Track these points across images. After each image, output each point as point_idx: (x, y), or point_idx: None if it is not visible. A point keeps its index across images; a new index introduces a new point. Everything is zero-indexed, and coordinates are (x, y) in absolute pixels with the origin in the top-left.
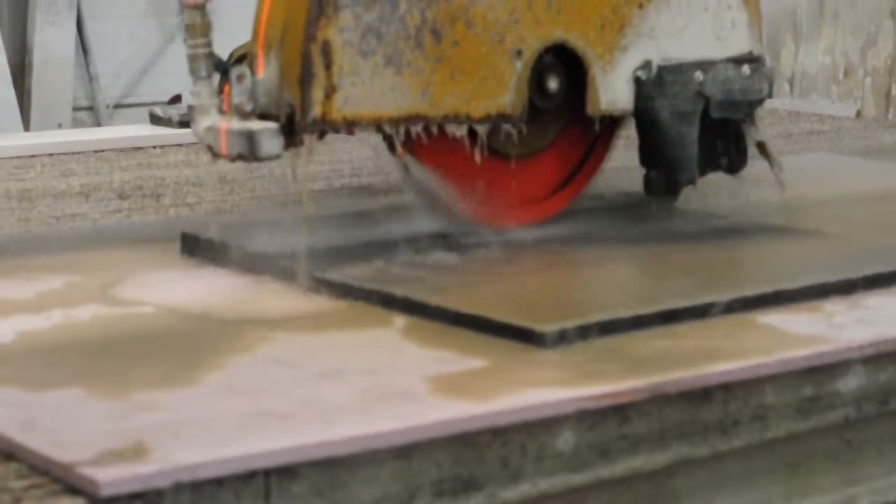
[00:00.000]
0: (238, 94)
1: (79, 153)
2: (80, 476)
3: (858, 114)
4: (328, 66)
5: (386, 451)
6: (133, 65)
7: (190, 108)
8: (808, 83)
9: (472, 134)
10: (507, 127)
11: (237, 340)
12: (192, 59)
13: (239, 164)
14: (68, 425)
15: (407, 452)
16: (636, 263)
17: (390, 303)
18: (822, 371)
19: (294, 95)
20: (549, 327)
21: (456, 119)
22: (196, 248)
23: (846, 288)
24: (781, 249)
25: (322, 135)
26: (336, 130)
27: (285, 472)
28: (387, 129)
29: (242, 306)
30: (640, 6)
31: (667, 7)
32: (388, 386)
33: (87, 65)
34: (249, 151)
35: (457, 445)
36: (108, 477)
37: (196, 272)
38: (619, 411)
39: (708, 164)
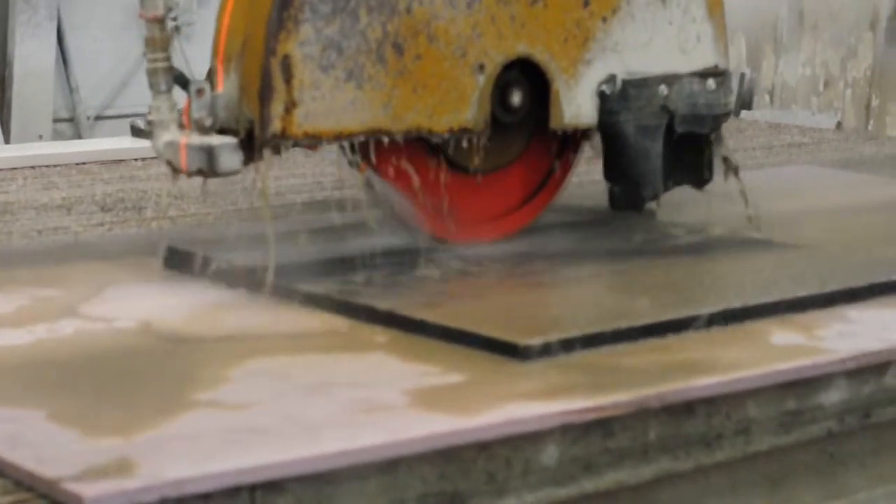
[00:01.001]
0: (197, 108)
1: (60, 166)
2: (66, 492)
3: (839, 125)
4: (288, 80)
5: (371, 465)
6: (113, 76)
7: (149, 122)
8: (788, 95)
9: (435, 149)
10: (469, 141)
11: (221, 355)
12: (152, 74)
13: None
14: (53, 441)
15: (392, 467)
16: (615, 278)
17: (373, 317)
18: (805, 384)
19: (254, 110)
20: (532, 341)
21: (418, 133)
22: (179, 261)
23: (827, 301)
24: (762, 263)
25: (279, 150)
26: (296, 145)
27: (271, 487)
28: (347, 144)
29: (226, 321)
30: (604, 20)
31: (631, 21)
32: (372, 400)
33: (68, 76)
34: (208, 167)
35: (442, 460)
36: (94, 492)
37: (179, 286)
38: (603, 425)
39: (673, 178)
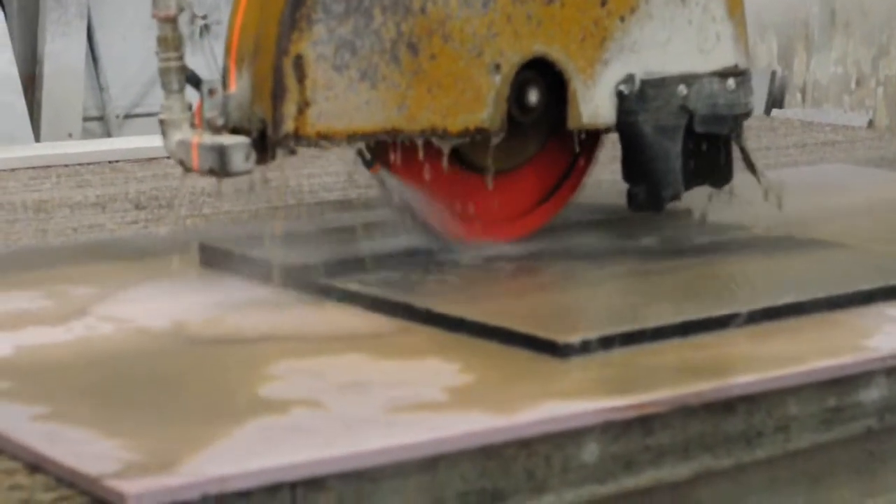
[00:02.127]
0: (209, 108)
1: (93, 164)
2: (108, 489)
3: (870, 123)
4: (301, 80)
5: (411, 463)
6: (142, 75)
7: (161, 122)
8: (819, 93)
9: (451, 148)
10: (485, 140)
11: (260, 354)
12: (164, 73)
13: (255, 175)
14: (94, 438)
15: (432, 464)
16: (650, 276)
17: (412, 315)
18: (845, 382)
19: (266, 110)
20: (571, 338)
21: (433, 134)
22: (215, 259)
23: (866, 299)
24: (801, 261)
25: (292, 150)
26: (309, 145)
27: (311, 485)
28: (361, 143)
29: (262, 318)
30: (622, 19)
31: (649, 20)
32: (412, 398)
33: (98, 75)
34: (220, 166)
35: (482, 457)
36: (136, 489)
37: (216, 284)
38: (643, 423)
39: (693, 178)
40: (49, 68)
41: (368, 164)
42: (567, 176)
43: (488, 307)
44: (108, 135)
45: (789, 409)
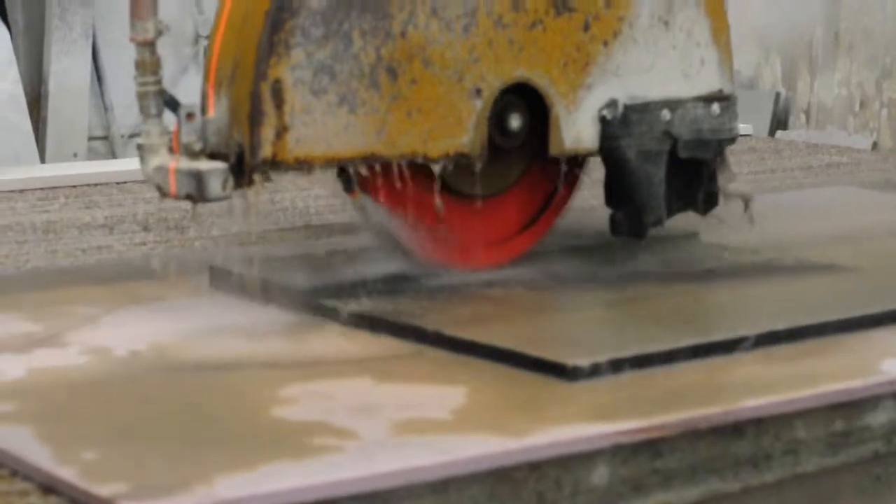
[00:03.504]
0: (187, 132)
1: (101, 185)
2: None
3: (875, 146)
4: (279, 104)
5: (422, 485)
6: None
7: (138, 147)
8: (824, 115)
9: (433, 174)
10: (466, 166)
11: (269, 376)
12: (142, 97)
13: (263, 197)
14: (107, 459)
15: (443, 487)
16: (658, 300)
17: (422, 337)
18: (853, 406)
19: (244, 135)
20: (581, 361)
21: (413, 159)
22: (224, 281)
23: (873, 322)
24: (807, 284)
25: (269, 176)
26: (287, 171)
27: None
28: (340, 169)
29: (271, 341)
30: (606, 44)
31: (633, 45)
32: (423, 420)
33: (102, 94)
34: (197, 192)
35: (492, 480)
36: None
37: (225, 306)
38: (651, 446)
39: (677, 204)
40: (54, 88)
41: (349, 189)
42: (550, 201)
43: (497, 330)
44: (113, 154)
45: (797, 432)
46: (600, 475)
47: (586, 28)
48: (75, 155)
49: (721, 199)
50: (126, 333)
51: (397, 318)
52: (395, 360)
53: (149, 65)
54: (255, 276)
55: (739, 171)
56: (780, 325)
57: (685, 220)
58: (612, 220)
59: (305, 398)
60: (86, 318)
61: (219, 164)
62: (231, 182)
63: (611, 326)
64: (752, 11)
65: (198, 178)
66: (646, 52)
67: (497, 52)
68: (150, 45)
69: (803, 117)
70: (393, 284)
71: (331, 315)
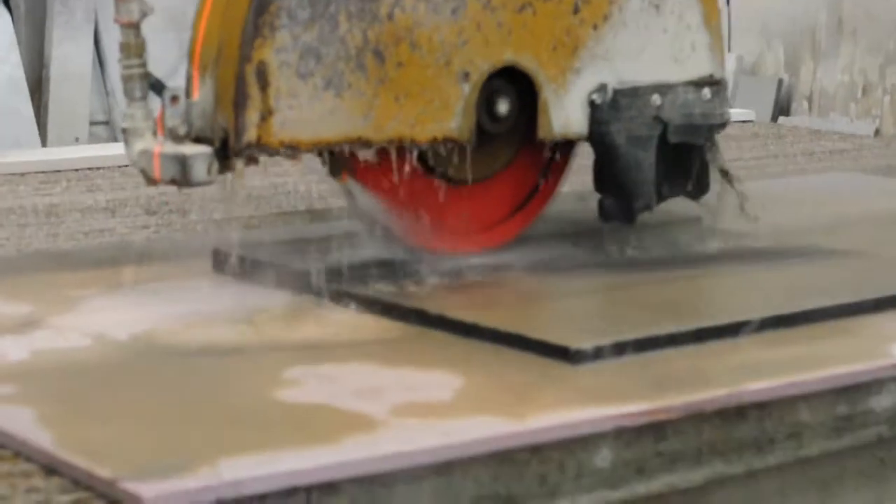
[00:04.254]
0: (171, 116)
1: (103, 168)
2: (124, 491)
3: (877, 132)
4: (264, 87)
5: (425, 467)
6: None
7: (123, 130)
8: (826, 101)
9: (420, 158)
10: (454, 151)
11: (272, 358)
12: (126, 80)
13: (267, 181)
14: (110, 440)
15: (446, 469)
16: (661, 284)
17: (424, 319)
18: (857, 389)
19: (228, 118)
20: (584, 344)
21: (400, 143)
22: (227, 264)
23: (877, 306)
24: (811, 269)
25: (255, 160)
26: (273, 154)
27: (327, 489)
28: (327, 153)
29: (274, 323)
30: (595, 27)
31: (623, 28)
32: (426, 403)
33: (104, 79)
34: (182, 176)
35: (495, 462)
36: (152, 492)
37: (228, 290)
38: (655, 429)
39: (667, 190)
40: (56, 72)
41: (335, 174)
42: (539, 187)
43: (500, 313)
44: (115, 139)
45: (801, 415)
46: (603, 458)
47: (576, 11)
48: (77, 139)
49: (712, 185)
50: (127, 317)
51: (400, 300)
52: (397, 343)
53: (133, 47)
54: (257, 259)
55: (740, 157)
56: (784, 309)
57: (688, 205)
58: (601, 205)
59: (308, 381)
60: (87, 302)
61: (203, 148)
62: (216, 166)
63: (613, 310)
64: None
65: (182, 162)
66: (636, 36)
67: (485, 35)
68: (134, 27)
69: (806, 104)
70: (393, 267)
71: (333, 298)
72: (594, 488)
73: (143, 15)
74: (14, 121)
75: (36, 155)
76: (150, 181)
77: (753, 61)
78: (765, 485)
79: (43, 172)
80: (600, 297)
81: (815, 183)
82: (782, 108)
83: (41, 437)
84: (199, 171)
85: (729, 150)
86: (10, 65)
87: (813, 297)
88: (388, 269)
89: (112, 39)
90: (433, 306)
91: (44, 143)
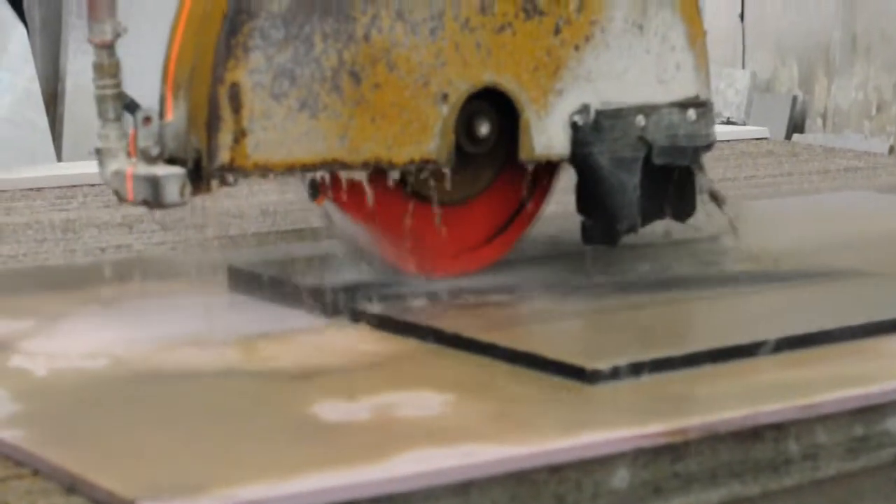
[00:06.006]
0: (144, 137)
1: None
2: None
3: (892, 149)
4: (237, 109)
5: (443, 488)
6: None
7: (97, 151)
8: (840, 119)
9: (400, 180)
10: (433, 173)
11: (289, 376)
12: (100, 101)
13: (283, 197)
14: (130, 459)
15: (464, 489)
16: (677, 305)
17: (440, 339)
18: (873, 411)
19: (201, 140)
20: (601, 364)
21: (377, 165)
22: (243, 282)
23: (893, 327)
24: (827, 289)
25: (228, 181)
26: (246, 176)
27: None
28: (302, 175)
29: (291, 341)
30: (577, 48)
31: (605, 49)
32: (442, 423)
33: None
34: (154, 197)
35: (513, 482)
36: None
37: (244, 308)
38: (672, 449)
39: (653, 211)
40: (71, 85)
41: (313, 195)
42: (521, 209)
43: (516, 333)
44: None
45: (817, 436)
46: (621, 478)
47: (557, 32)
48: (90, 153)
49: (699, 206)
50: (139, 334)
51: (416, 319)
52: (413, 362)
53: (107, 68)
54: (272, 276)
55: (755, 174)
56: (800, 330)
57: (702, 226)
58: (584, 227)
59: (325, 398)
60: (103, 318)
61: (176, 170)
62: (189, 188)
63: (630, 330)
64: (769, 15)
65: (154, 183)
66: (619, 57)
67: (464, 56)
68: (108, 48)
69: (820, 121)
70: (407, 286)
71: (351, 315)
72: None
73: (117, 35)
74: (29, 133)
75: (52, 170)
76: (123, 202)
77: (767, 78)
78: None
79: (59, 187)
80: (617, 317)
81: (829, 202)
82: (796, 124)
83: (61, 456)
84: (171, 192)
85: (744, 167)
86: (25, 78)
87: (829, 318)
88: (400, 287)
89: (127, 54)
90: (449, 325)
91: (59, 156)
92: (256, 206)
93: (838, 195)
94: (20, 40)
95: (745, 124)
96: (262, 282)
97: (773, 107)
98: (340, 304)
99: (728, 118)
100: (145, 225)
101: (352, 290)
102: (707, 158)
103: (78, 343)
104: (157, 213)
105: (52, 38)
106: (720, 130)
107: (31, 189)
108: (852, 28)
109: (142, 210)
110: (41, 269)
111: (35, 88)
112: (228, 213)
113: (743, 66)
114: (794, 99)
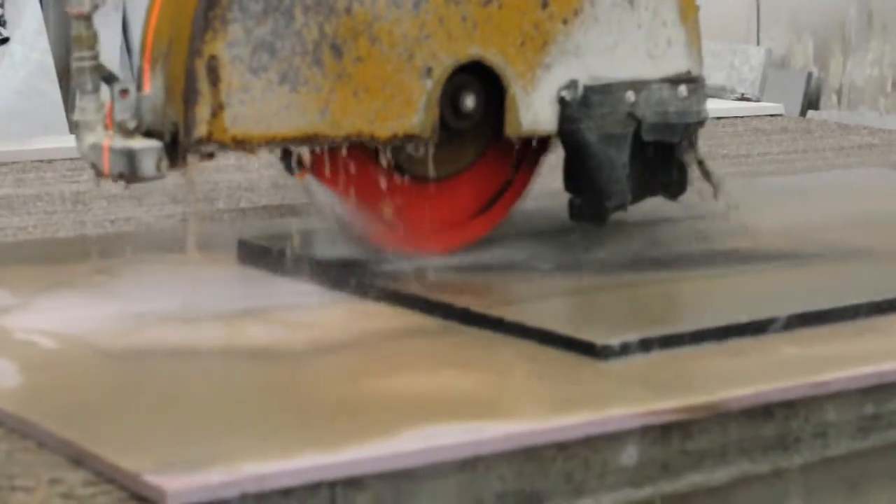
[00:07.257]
0: (121, 110)
1: None
2: (147, 484)
3: None
4: (215, 82)
5: (450, 463)
6: None
7: (75, 123)
8: (855, 95)
9: (382, 155)
10: (416, 147)
11: (297, 351)
12: (78, 73)
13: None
14: (134, 433)
15: (470, 466)
16: (685, 282)
17: (448, 314)
18: (884, 389)
19: (178, 113)
20: (611, 340)
21: (359, 139)
22: (253, 255)
23: None
24: (840, 267)
25: (206, 155)
26: (224, 150)
27: (350, 484)
28: (282, 149)
29: (299, 315)
30: (565, 22)
31: (594, 24)
32: (449, 398)
33: (132, 66)
34: (130, 171)
35: (520, 459)
36: (175, 486)
37: (253, 281)
38: (681, 427)
39: (643, 189)
40: None
41: (293, 170)
42: (508, 185)
43: (524, 308)
44: None
45: (827, 415)
46: (629, 455)
47: (545, 6)
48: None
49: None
50: (151, 308)
51: (424, 294)
52: (421, 337)
53: (85, 39)
54: (282, 250)
55: (769, 151)
56: (811, 307)
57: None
58: (572, 205)
59: (332, 373)
60: (112, 291)
61: (153, 143)
62: (165, 161)
63: (639, 307)
64: None
65: (130, 156)
66: (608, 32)
67: (449, 29)
68: (85, 19)
69: (835, 97)
70: (413, 262)
71: (359, 290)
72: (619, 486)
73: (95, 6)
74: (42, 105)
75: (63, 141)
76: (100, 175)
77: (782, 54)
78: (790, 484)
79: (70, 159)
80: (624, 294)
81: (843, 179)
82: (811, 101)
83: (67, 429)
84: (147, 165)
85: (758, 144)
86: (38, 51)
87: (840, 295)
88: (407, 262)
89: (140, 28)
90: (458, 300)
91: (71, 129)
92: (266, 179)
93: (852, 172)
94: (33, 14)
95: (759, 101)
96: (272, 255)
97: (787, 83)
98: (347, 278)
99: (742, 94)
100: (155, 197)
101: (359, 265)
102: (721, 135)
103: (84, 315)
104: (168, 185)
105: (64, 12)
106: (735, 107)
107: (43, 161)
108: (868, 4)
109: (151, 183)
110: (48, 241)
111: (48, 61)
112: (240, 186)
113: (758, 43)
114: (809, 75)
